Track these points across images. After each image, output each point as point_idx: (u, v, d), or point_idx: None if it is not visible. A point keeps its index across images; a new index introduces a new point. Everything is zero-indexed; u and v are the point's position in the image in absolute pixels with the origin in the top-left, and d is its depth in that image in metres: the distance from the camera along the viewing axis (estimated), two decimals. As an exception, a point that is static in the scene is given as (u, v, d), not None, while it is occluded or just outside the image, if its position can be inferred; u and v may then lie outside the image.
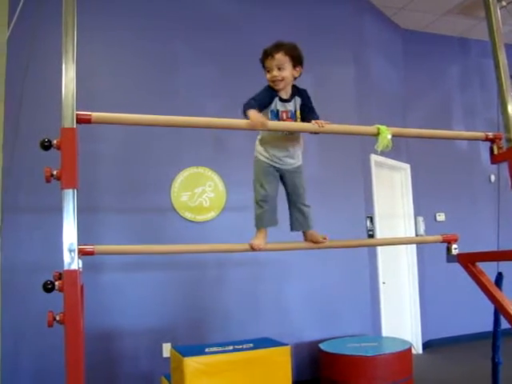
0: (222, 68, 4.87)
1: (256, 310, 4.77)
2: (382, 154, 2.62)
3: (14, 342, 4.05)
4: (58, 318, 1.90)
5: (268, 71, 2.54)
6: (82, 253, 2.03)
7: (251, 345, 3.80)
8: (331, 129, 2.47)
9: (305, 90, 2.63)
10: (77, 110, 2.01)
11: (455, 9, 6.31)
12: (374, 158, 5.62)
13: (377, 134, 2.52)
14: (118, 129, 4.16)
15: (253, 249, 2.51)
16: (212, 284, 4.65)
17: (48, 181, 1.96)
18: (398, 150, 5.54)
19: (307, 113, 2.56)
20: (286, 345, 3.82)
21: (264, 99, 2.48)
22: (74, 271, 1.91)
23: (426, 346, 6.26)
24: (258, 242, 2.53)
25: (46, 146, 1.98)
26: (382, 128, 2.52)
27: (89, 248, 2.12)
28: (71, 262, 1.92)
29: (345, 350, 4.44)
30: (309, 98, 2.62)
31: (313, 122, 2.42)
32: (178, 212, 4.60)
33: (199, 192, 4.67)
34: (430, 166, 6.64)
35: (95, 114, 2.08)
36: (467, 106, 7.07)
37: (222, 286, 4.68)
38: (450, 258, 2.82)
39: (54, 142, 1.98)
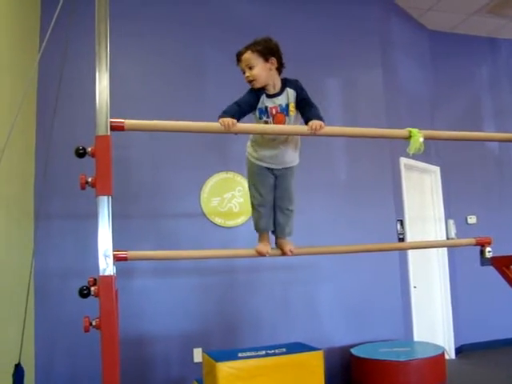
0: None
1: (287, 315, 4.76)
2: (412, 156, 2.59)
3: (47, 347, 4.11)
4: (93, 324, 1.92)
5: (243, 72, 2.47)
6: (116, 258, 2.04)
7: (284, 349, 3.78)
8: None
9: (296, 81, 2.50)
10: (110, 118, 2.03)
11: (484, 8, 6.22)
12: (403, 160, 5.57)
13: (409, 138, 2.49)
14: (146, 134, 4.21)
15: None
16: (243, 289, 4.66)
17: (83, 188, 1.98)
18: (427, 152, 5.48)
19: (303, 106, 2.43)
20: (319, 349, 3.79)
21: (247, 101, 2.42)
22: (110, 277, 1.93)
23: (459, 351, 6.15)
24: (264, 248, 2.49)
25: (81, 153, 2.01)
26: (414, 131, 2.49)
27: (122, 254, 2.14)
28: (106, 267, 1.94)
29: (377, 355, 4.39)
30: (302, 88, 2.47)
31: (309, 124, 2.29)
32: (207, 217, 4.62)
33: (229, 197, 4.68)
34: (460, 168, 6.56)
35: (128, 122, 2.09)
36: (497, 106, 6.95)
37: (253, 290, 4.68)
38: (484, 261, 2.78)
39: (89, 149, 2.00)
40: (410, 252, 5.49)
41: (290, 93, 2.45)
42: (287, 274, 4.73)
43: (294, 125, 2.47)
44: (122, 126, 2.08)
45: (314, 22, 5.28)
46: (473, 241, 2.80)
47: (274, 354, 3.68)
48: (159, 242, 4.39)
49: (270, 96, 2.45)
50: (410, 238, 5.52)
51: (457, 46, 6.83)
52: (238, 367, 3.47)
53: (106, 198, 1.96)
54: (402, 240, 5.34)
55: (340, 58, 5.31)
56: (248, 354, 3.67)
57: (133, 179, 4.46)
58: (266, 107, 2.43)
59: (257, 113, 2.45)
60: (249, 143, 2.58)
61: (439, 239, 6.06)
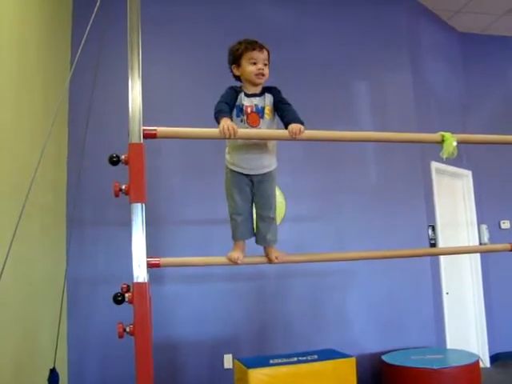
0: (281, 79, 4.84)
1: (317, 321, 4.72)
2: (443, 161, 2.55)
3: (79, 353, 4.16)
4: (127, 330, 1.93)
5: (254, 63, 2.44)
6: (149, 265, 2.05)
7: (315, 356, 3.76)
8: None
9: (275, 88, 2.49)
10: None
11: (515, 8, 6.11)
12: (434, 165, 5.50)
13: (441, 142, 2.45)
14: (178, 140, 4.22)
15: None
16: (273, 295, 4.64)
17: (117, 195, 2.00)
18: (458, 156, 5.40)
19: (281, 108, 2.40)
20: (351, 356, 3.76)
21: (232, 99, 2.40)
22: (144, 284, 1.94)
23: (494, 359, 6.01)
24: (236, 255, 2.43)
25: (115, 161, 2.02)
26: (447, 135, 2.45)
27: (155, 260, 2.15)
28: (140, 274, 1.96)
29: (409, 363, 4.32)
30: (279, 92, 2.47)
31: (289, 128, 2.24)
32: (238, 223, 4.61)
33: (260, 204, 4.66)
34: (492, 172, 6.42)
35: (160, 129, 2.10)
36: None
37: (284, 296, 4.66)
38: (521, 267, 2.72)
39: (122, 157, 2.02)
40: (441, 258, 5.40)
41: (268, 97, 2.45)
42: (318, 281, 4.70)
43: (269, 129, 2.43)
44: (155, 134, 2.09)
45: (342, 25, 5.26)
46: (508, 246, 2.75)
47: (306, 361, 3.66)
48: (190, 248, 4.40)
49: (248, 95, 2.44)
50: (442, 243, 5.43)
51: (488, 47, 6.72)
52: (270, 374, 3.46)
53: (139, 205, 1.97)
54: (433, 245, 5.26)
55: (369, 61, 5.27)
56: (280, 360, 3.66)
57: (164, 185, 4.49)
58: (243, 105, 2.41)
59: (234, 111, 2.42)
60: (227, 150, 2.52)
61: (472, 245, 5.95)
